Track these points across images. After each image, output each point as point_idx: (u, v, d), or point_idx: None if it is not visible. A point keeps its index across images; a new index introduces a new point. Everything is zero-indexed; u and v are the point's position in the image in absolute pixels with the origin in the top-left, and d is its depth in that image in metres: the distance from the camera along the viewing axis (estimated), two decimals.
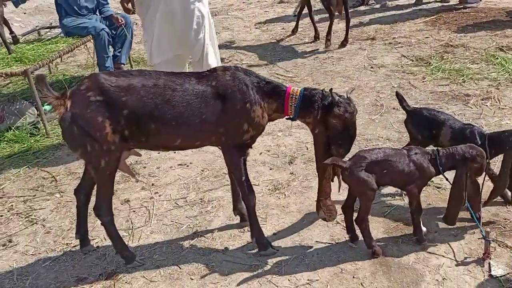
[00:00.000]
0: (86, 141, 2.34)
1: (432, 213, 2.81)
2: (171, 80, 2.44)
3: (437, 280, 2.35)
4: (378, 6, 7.57)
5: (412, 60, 5.23)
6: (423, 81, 4.67)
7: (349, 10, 5.97)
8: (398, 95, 2.97)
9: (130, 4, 3.72)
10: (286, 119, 2.60)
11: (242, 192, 2.62)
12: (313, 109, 2.49)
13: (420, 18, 6.66)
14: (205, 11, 3.91)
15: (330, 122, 2.49)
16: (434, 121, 2.79)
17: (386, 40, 6.01)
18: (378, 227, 2.75)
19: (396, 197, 3.01)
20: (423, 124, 2.83)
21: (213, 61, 4.03)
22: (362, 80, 4.88)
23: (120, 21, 5.30)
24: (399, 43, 5.83)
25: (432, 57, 5.21)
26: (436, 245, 2.57)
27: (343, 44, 5.95)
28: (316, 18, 6.62)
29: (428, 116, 2.82)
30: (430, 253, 2.52)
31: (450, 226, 2.63)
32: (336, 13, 6.00)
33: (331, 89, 2.49)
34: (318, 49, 6.01)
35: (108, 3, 5.54)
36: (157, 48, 3.94)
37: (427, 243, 2.57)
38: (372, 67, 5.19)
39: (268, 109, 2.53)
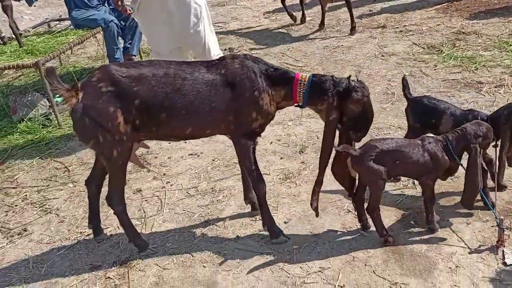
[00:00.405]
0: (98, 132, 2.35)
1: (445, 201, 2.79)
2: (181, 69, 2.45)
3: (450, 267, 2.34)
4: None
5: (424, 48, 5.17)
6: (435, 69, 4.62)
7: None
8: (403, 80, 2.93)
9: (120, 1, 3.73)
10: (295, 106, 2.59)
11: (252, 180, 2.62)
12: (326, 96, 2.46)
13: (431, 6, 6.57)
14: (201, 1, 3.85)
15: (348, 107, 2.46)
16: (434, 110, 2.76)
17: (397, 28, 5.94)
18: (390, 216, 2.74)
19: (408, 185, 3.00)
20: (423, 113, 2.80)
21: (216, 51, 3.99)
22: (372, 69, 4.83)
23: (128, 11, 5.29)
24: (410, 31, 5.76)
25: (444, 45, 5.14)
26: (449, 233, 2.56)
27: (352, 32, 5.90)
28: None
29: (429, 105, 2.79)
30: (442, 241, 2.51)
31: (463, 213, 2.61)
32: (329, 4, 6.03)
33: (349, 76, 2.47)
34: (327, 38, 5.97)
35: None
36: (155, 41, 3.88)
37: (440, 231, 2.56)
38: (382, 56, 5.14)
39: (276, 96, 2.51)
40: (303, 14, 6.64)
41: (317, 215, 2.66)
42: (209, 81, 2.44)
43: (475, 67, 4.52)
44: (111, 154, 2.41)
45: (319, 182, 2.61)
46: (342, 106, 2.46)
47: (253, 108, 2.46)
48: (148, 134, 2.51)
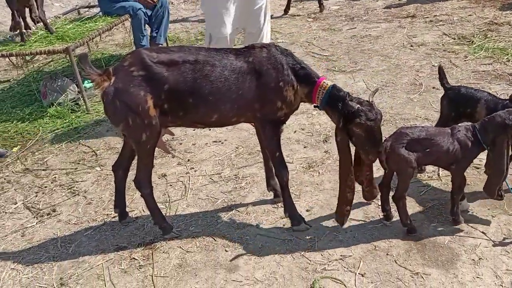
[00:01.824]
0: (128, 115, 2.40)
1: (471, 194, 2.75)
2: (210, 55, 2.47)
3: (473, 259, 2.31)
4: None
5: (454, 39, 5.05)
6: (465, 60, 4.51)
7: None
8: (440, 70, 2.88)
9: None
10: (314, 107, 2.57)
11: (276, 167, 2.63)
12: (336, 115, 2.43)
13: None
14: None
15: (352, 131, 2.39)
16: (471, 98, 2.73)
17: (427, 18, 5.82)
18: (414, 206, 2.71)
19: (433, 177, 2.96)
20: (460, 102, 2.77)
21: (269, 36, 3.95)
22: (400, 59, 4.76)
23: (152, 2, 5.34)
24: (441, 21, 5.64)
25: (475, 35, 5.02)
26: (473, 225, 2.52)
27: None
28: None
29: (466, 94, 2.76)
30: (466, 233, 2.48)
31: (488, 206, 2.57)
32: None
33: (351, 98, 2.41)
34: (355, 28, 5.89)
35: None
36: (218, 24, 3.81)
37: (464, 224, 2.53)
38: (411, 46, 5.05)
39: (300, 92, 2.51)
40: (321, 3, 6.66)
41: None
42: (237, 68, 2.46)
43: (507, 58, 4.40)
44: (140, 138, 2.45)
45: (344, 199, 2.51)
46: (348, 129, 2.39)
47: (278, 98, 2.47)
48: (175, 119, 2.53)
